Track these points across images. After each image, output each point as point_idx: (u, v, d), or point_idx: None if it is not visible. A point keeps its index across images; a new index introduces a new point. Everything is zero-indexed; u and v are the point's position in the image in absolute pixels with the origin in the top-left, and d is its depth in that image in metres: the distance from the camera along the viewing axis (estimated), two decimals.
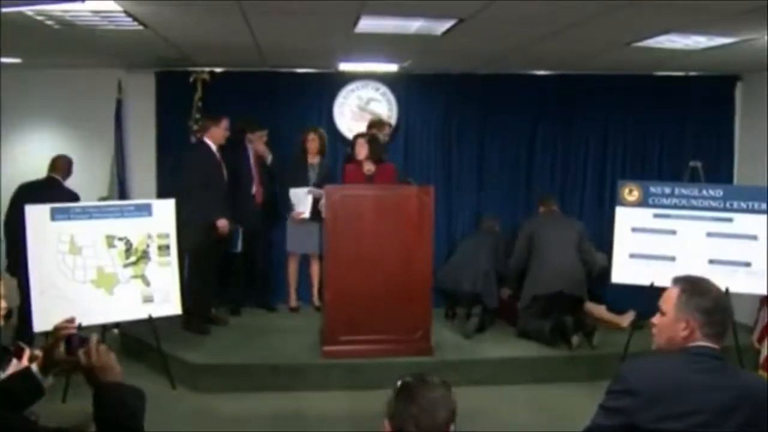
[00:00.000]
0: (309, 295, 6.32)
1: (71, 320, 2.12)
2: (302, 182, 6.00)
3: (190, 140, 6.08)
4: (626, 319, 5.69)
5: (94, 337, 1.89)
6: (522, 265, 5.65)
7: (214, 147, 5.50)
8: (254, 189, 5.97)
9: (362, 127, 6.20)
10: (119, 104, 6.34)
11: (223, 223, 5.38)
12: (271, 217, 6.20)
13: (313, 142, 6.03)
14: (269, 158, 6.02)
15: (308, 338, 5.28)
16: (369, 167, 5.60)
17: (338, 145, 6.46)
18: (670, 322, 1.99)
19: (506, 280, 5.82)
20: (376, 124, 6.16)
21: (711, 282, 2.03)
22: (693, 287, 2.00)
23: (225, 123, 5.49)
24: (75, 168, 5.53)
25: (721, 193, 4.97)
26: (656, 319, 2.06)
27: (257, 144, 5.97)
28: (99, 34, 4.49)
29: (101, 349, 1.83)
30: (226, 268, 5.85)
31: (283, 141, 6.32)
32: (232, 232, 5.69)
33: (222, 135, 5.50)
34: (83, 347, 1.86)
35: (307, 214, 5.90)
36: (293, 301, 6.29)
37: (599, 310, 5.84)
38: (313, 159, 6.07)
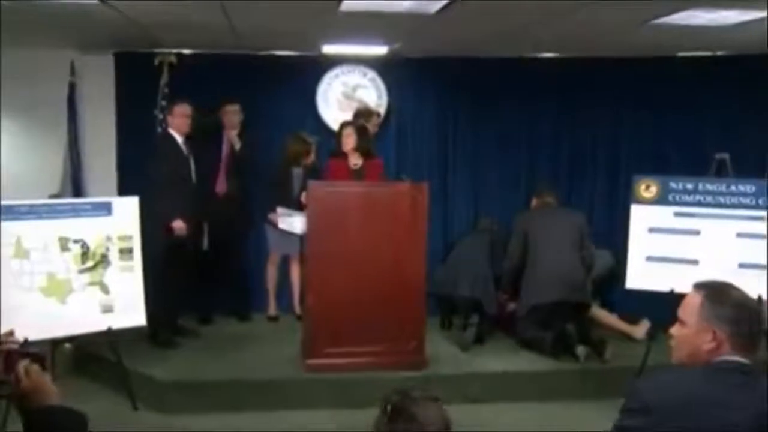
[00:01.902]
0: (289, 303, 6.25)
1: (10, 333, 2.00)
2: (287, 194, 5.90)
3: (156, 131, 5.99)
4: (641, 329, 5.64)
5: (23, 363, 1.77)
6: (517, 269, 5.57)
7: (179, 139, 5.40)
8: (217, 184, 5.91)
9: (349, 117, 6.10)
10: (72, 89, 6.22)
11: (178, 225, 5.26)
12: (241, 215, 6.11)
13: (312, 156, 5.97)
14: (237, 145, 5.95)
15: (289, 350, 5.22)
16: (356, 161, 5.51)
17: (322, 137, 6.33)
18: (692, 334, 1.94)
19: (502, 284, 5.76)
20: (363, 113, 6.09)
21: (737, 287, 1.98)
22: (718, 294, 1.94)
23: (179, 110, 5.37)
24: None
25: (753, 188, 4.90)
26: (675, 330, 2.01)
27: (229, 130, 5.92)
28: (46, 7, 4.36)
29: (32, 370, 1.73)
30: (195, 271, 5.74)
31: (259, 132, 6.22)
32: (201, 228, 5.65)
33: (182, 123, 5.39)
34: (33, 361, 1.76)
35: (284, 226, 5.77)
36: (272, 309, 6.24)
37: (611, 318, 5.79)
38: (298, 167, 6.01)
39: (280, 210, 5.72)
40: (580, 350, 5.09)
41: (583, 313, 5.48)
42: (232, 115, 5.96)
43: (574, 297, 5.31)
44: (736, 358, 1.88)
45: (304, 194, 5.25)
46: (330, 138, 6.27)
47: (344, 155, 5.56)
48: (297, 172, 5.95)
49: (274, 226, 5.81)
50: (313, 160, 6.00)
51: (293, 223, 5.65)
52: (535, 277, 5.36)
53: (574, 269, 5.35)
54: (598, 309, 5.80)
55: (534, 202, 5.90)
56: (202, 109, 5.63)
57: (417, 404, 1.65)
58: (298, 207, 5.57)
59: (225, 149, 5.95)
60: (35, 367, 1.73)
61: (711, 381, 1.86)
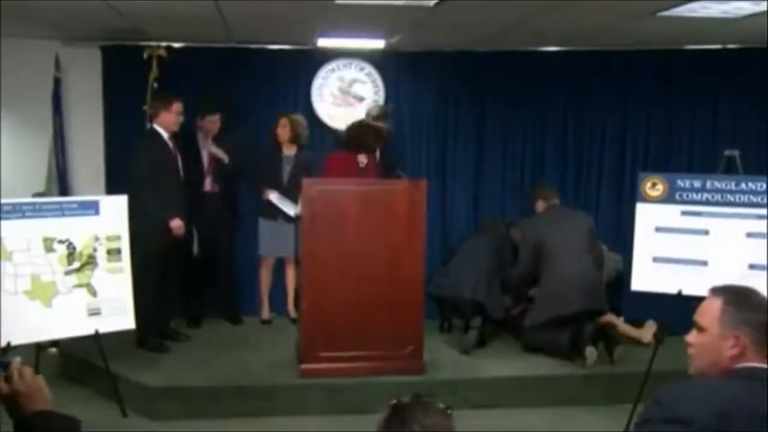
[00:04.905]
0: (284, 305, 6.25)
1: None
2: (274, 178, 5.96)
3: (146, 127, 5.96)
4: (647, 332, 5.64)
5: (17, 360, 1.77)
6: (529, 279, 5.56)
7: (166, 135, 5.37)
8: (207, 185, 5.92)
9: (345, 112, 6.20)
10: (57, 83, 6.19)
11: (177, 224, 5.25)
12: (231, 217, 6.13)
13: (284, 129, 5.96)
14: (225, 158, 5.92)
15: (282, 355, 5.22)
16: (362, 159, 5.53)
17: (317, 133, 6.37)
18: (712, 340, 1.93)
19: (508, 290, 5.74)
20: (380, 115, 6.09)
21: (756, 290, 1.97)
22: (740, 298, 1.94)
23: (177, 107, 5.35)
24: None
25: (764, 186, 4.85)
26: (693, 337, 1.99)
27: (210, 144, 5.91)
28: None
29: (26, 373, 1.72)
30: (185, 272, 5.76)
31: (252, 128, 6.26)
32: (187, 233, 5.62)
33: (174, 121, 5.36)
34: (5, 371, 1.75)
35: (277, 201, 5.85)
36: (266, 312, 6.24)
37: (619, 323, 5.77)
38: (288, 150, 6.01)
39: (271, 192, 5.82)
40: (589, 351, 5.10)
41: (598, 317, 5.49)
42: (214, 125, 5.90)
43: (595, 305, 5.29)
44: (760, 364, 1.87)
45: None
46: (322, 132, 6.30)
47: (354, 152, 5.58)
48: (287, 156, 5.99)
49: (269, 203, 5.85)
50: (286, 137, 5.98)
51: (287, 203, 5.68)
52: (555, 288, 5.30)
53: (593, 277, 5.35)
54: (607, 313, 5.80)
55: (540, 205, 5.81)
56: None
57: (421, 411, 1.62)
58: (287, 193, 5.72)
59: (206, 155, 5.92)
60: (29, 370, 1.73)
61: (743, 391, 1.83)
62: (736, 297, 1.94)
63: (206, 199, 5.91)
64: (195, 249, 5.84)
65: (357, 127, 5.66)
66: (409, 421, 1.59)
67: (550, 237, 5.43)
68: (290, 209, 5.74)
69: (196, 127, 5.90)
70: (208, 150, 5.90)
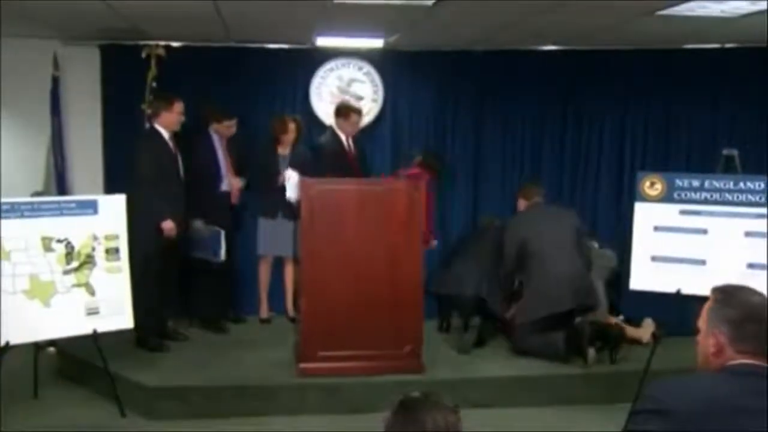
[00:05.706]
0: (283, 305, 6.25)
1: None
2: (274, 176, 5.96)
3: (145, 126, 5.96)
4: (646, 331, 5.64)
5: None
6: (513, 277, 5.57)
7: (166, 135, 5.37)
8: (224, 185, 5.92)
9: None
10: (56, 82, 6.18)
11: (169, 226, 5.24)
12: (231, 216, 6.11)
13: (292, 133, 6.00)
14: (241, 183, 5.99)
15: (281, 354, 5.23)
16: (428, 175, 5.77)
17: (315, 132, 6.37)
18: (701, 339, 1.95)
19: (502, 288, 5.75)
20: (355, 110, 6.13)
21: (750, 289, 1.97)
22: (724, 296, 1.94)
23: (178, 106, 5.35)
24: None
25: (763, 185, 4.86)
26: (698, 337, 2.01)
27: (226, 149, 5.93)
28: None
29: None
30: (185, 274, 5.75)
31: (251, 127, 6.24)
32: (213, 235, 5.63)
33: (175, 120, 5.36)
34: None
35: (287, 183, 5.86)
36: (265, 312, 6.24)
37: (615, 322, 5.78)
38: (284, 150, 6.04)
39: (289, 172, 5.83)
40: (591, 353, 5.10)
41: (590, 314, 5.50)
42: (229, 130, 5.93)
43: (586, 302, 5.29)
44: (749, 361, 1.86)
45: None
46: (321, 131, 6.29)
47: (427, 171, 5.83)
48: (283, 156, 6.01)
49: (273, 197, 5.87)
50: (292, 139, 6.01)
51: (292, 186, 5.73)
52: (543, 287, 5.30)
53: (582, 274, 5.34)
54: (603, 313, 5.80)
55: (521, 203, 5.84)
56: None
57: (428, 407, 1.64)
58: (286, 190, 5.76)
59: (220, 151, 5.92)
60: None
61: (732, 386, 1.83)
62: (721, 295, 1.95)
63: (222, 201, 5.92)
64: (222, 254, 5.67)
65: (433, 156, 6.09)
66: (420, 418, 1.61)
67: (533, 236, 5.43)
68: (292, 193, 5.73)
69: (212, 132, 5.91)
70: (224, 147, 5.93)
